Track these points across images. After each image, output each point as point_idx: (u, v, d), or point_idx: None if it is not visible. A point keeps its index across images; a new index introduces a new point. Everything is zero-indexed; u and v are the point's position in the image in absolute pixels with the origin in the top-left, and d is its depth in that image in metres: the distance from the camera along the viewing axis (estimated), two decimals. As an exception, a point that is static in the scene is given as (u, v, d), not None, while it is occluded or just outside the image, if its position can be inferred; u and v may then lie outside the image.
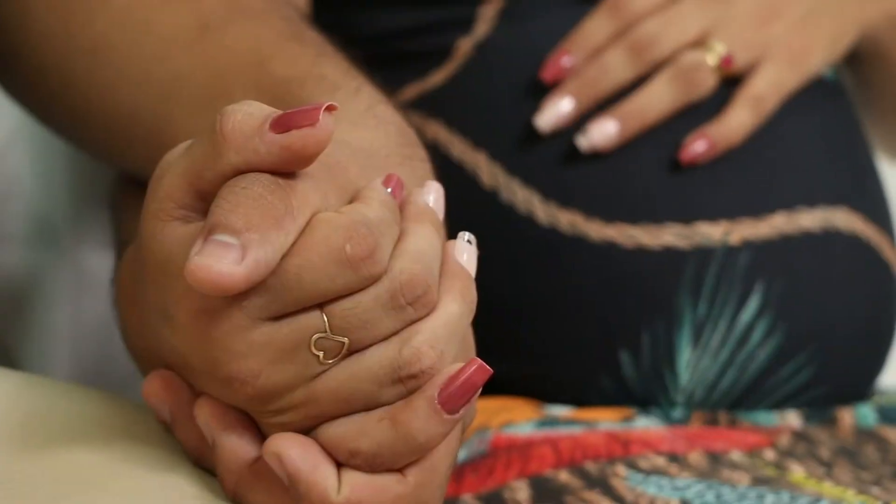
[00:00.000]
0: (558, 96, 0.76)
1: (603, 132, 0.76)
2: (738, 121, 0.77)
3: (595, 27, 0.78)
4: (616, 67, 0.77)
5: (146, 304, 0.49)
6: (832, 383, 0.80)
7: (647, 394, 0.77)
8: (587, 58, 0.77)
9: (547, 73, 0.77)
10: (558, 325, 0.77)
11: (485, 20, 0.79)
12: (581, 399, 0.78)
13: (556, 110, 0.76)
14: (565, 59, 0.76)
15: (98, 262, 0.95)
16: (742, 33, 0.78)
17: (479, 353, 0.53)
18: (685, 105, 0.77)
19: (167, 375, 0.51)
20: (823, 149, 0.81)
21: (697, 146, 0.76)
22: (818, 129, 0.82)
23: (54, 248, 0.95)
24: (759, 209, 0.78)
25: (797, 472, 0.71)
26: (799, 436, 0.76)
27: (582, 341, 0.77)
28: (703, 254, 0.76)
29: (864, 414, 0.80)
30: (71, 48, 0.68)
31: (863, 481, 0.69)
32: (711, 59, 0.77)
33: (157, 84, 0.65)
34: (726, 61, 0.77)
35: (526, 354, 0.78)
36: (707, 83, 0.78)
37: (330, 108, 0.46)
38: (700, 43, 0.78)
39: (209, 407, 0.49)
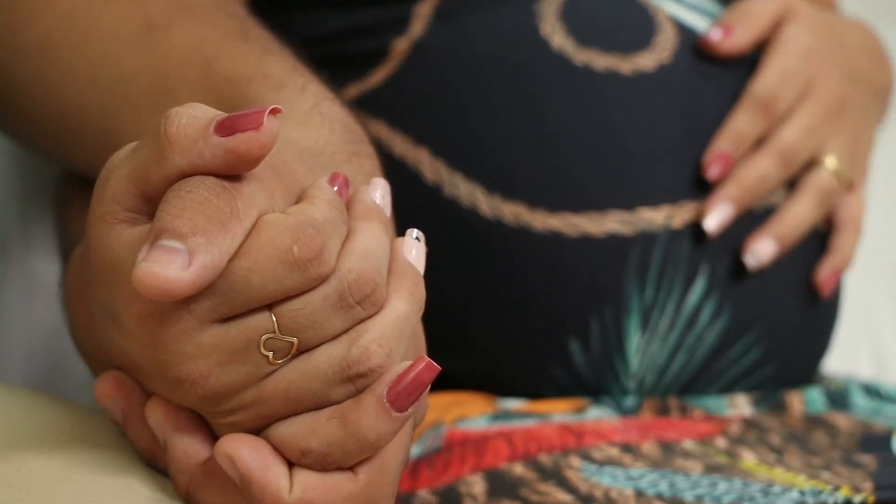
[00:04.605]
0: (723, 203, 0.79)
1: (767, 252, 0.80)
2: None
3: (747, 126, 0.81)
4: (770, 176, 0.81)
5: (95, 306, 0.49)
6: (780, 363, 0.81)
7: (599, 381, 0.78)
8: (742, 157, 0.81)
9: (714, 172, 0.79)
10: (507, 317, 0.77)
11: (420, 19, 0.79)
12: (534, 391, 0.78)
13: (722, 215, 0.78)
14: (728, 157, 0.80)
15: (48, 268, 0.94)
16: (845, 149, 0.84)
17: (431, 350, 0.53)
18: (819, 221, 0.84)
19: (119, 376, 0.51)
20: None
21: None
22: None
23: (3, 255, 0.94)
24: (699, 192, 0.79)
25: (749, 459, 0.71)
26: (749, 423, 0.77)
27: (531, 332, 0.77)
28: (647, 239, 0.77)
29: (814, 399, 0.81)
30: (16, 48, 0.67)
31: (813, 467, 0.70)
32: (836, 180, 0.83)
33: (104, 84, 0.64)
34: (849, 184, 0.85)
35: (477, 349, 0.78)
36: (834, 202, 0.84)
37: (274, 112, 0.46)
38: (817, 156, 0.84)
39: (161, 408, 0.49)
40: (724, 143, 0.80)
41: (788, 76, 0.83)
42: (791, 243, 0.81)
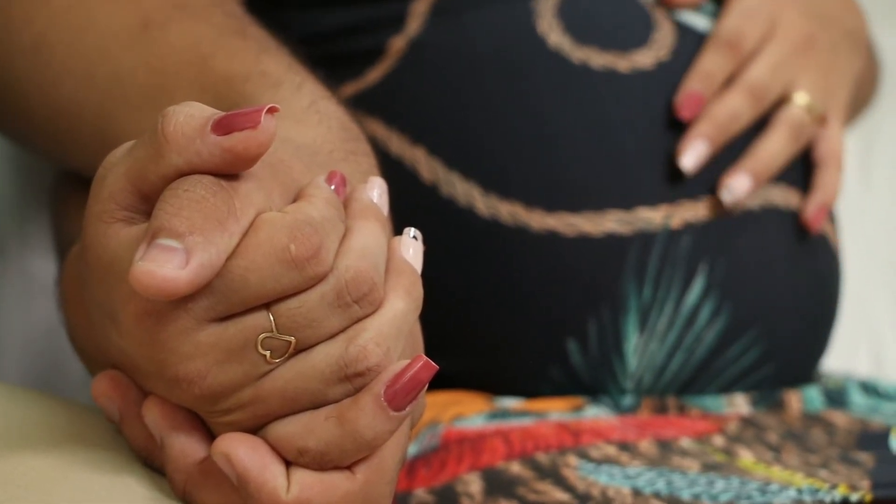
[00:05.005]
0: (697, 140, 0.79)
1: (742, 187, 0.79)
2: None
3: (716, 65, 0.82)
4: (742, 113, 0.81)
5: (92, 305, 0.49)
6: (779, 362, 0.81)
7: (597, 382, 0.78)
8: (713, 96, 0.81)
9: (687, 112, 0.79)
10: (504, 317, 0.77)
11: (416, 16, 0.79)
12: (532, 390, 0.78)
13: (697, 153, 0.79)
14: (699, 96, 0.80)
15: (45, 267, 0.94)
16: (815, 85, 0.85)
17: (428, 349, 0.53)
18: (794, 157, 0.84)
19: (115, 375, 0.51)
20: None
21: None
22: None
23: (0, 254, 0.94)
24: (697, 191, 0.79)
25: (746, 457, 0.71)
26: (747, 421, 0.77)
27: (529, 332, 0.77)
28: (645, 238, 0.77)
29: (812, 397, 0.81)
30: (12, 47, 0.67)
31: (811, 465, 0.70)
32: (808, 115, 0.84)
33: (101, 82, 0.64)
34: (822, 118, 0.85)
35: (474, 348, 0.78)
36: (807, 137, 0.84)
37: (272, 111, 0.46)
38: (787, 92, 0.84)
39: (157, 407, 0.49)
40: (695, 83, 0.80)
41: (752, 15, 0.84)
42: (766, 178, 0.81)
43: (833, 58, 0.87)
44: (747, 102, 0.81)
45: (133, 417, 0.51)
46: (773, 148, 0.81)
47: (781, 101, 0.83)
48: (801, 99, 0.83)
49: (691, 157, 0.78)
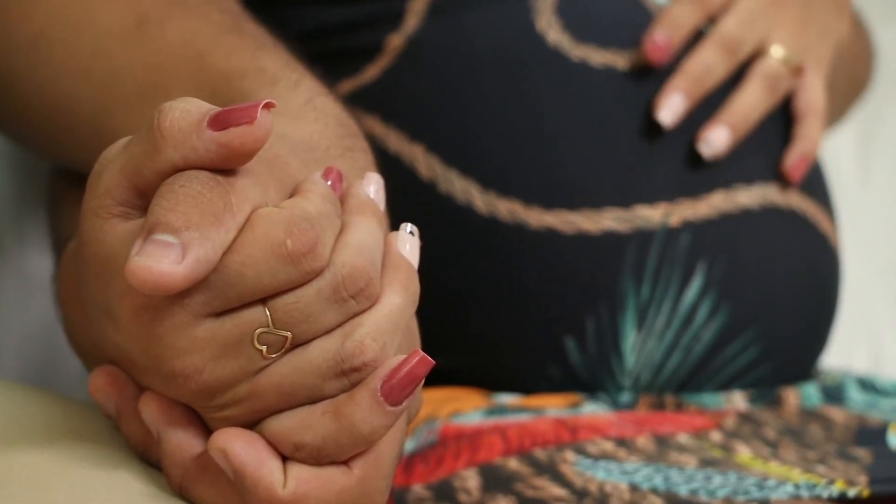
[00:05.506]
0: (673, 94, 0.79)
1: (721, 140, 0.79)
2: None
3: (681, 15, 0.82)
4: (716, 67, 0.81)
5: (88, 301, 0.49)
6: (777, 361, 0.81)
7: (594, 379, 0.78)
8: (680, 43, 0.81)
9: (653, 55, 0.79)
10: (502, 314, 0.77)
11: (414, 14, 0.79)
12: (529, 387, 0.78)
13: (674, 107, 0.79)
14: (660, 37, 0.80)
15: (42, 264, 0.94)
16: (791, 38, 0.84)
17: (426, 345, 0.53)
18: (772, 109, 0.83)
19: (112, 371, 0.51)
20: (758, 124, 0.82)
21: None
22: None
23: (-3, 251, 0.95)
24: (697, 189, 0.79)
25: (743, 452, 0.71)
26: (744, 417, 0.77)
27: (527, 329, 0.77)
28: (643, 236, 0.77)
29: (810, 393, 0.81)
30: (9, 45, 0.68)
31: (808, 460, 0.70)
32: (784, 67, 0.83)
33: (97, 79, 0.65)
34: (799, 69, 0.84)
35: (472, 345, 0.78)
36: (785, 88, 0.83)
37: (268, 106, 0.46)
38: (762, 45, 0.84)
39: (154, 402, 0.49)
40: (659, 29, 0.80)
41: None
42: (744, 131, 0.81)
43: (807, 12, 0.87)
44: (721, 55, 0.81)
45: (130, 413, 0.51)
46: (749, 100, 0.81)
47: (757, 55, 0.83)
48: (776, 51, 0.83)
49: (668, 111, 0.78)
